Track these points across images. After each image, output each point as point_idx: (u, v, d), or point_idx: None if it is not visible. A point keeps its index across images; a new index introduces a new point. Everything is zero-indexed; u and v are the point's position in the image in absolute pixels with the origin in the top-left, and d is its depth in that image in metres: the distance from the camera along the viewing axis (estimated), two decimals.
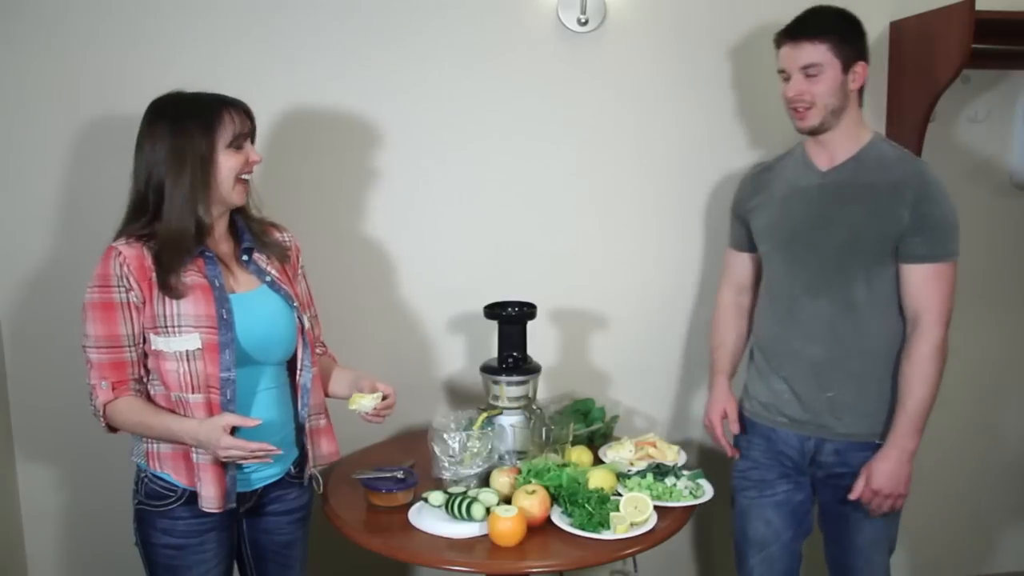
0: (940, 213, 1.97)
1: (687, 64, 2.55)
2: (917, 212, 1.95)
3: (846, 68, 1.98)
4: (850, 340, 2.04)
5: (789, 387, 2.11)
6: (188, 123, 1.73)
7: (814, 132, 2.04)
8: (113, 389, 1.73)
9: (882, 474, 2.00)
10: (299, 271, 2.01)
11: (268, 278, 1.88)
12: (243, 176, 1.80)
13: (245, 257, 1.87)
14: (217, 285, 1.77)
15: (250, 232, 1.89)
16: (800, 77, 1.99)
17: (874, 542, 2.11)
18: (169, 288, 1.72)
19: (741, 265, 2.28)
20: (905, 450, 2.00)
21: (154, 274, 1.72)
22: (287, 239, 1.99)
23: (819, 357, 2.06)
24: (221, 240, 1.86)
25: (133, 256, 1.72)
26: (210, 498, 1.75)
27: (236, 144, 1.77)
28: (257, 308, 1.83)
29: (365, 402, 1.87)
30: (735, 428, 2.21)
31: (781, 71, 2.05)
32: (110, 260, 1.72)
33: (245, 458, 1.71)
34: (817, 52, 1.97)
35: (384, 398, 1.90)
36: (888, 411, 2.05)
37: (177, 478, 1.78)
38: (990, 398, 2.96)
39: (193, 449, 1.74)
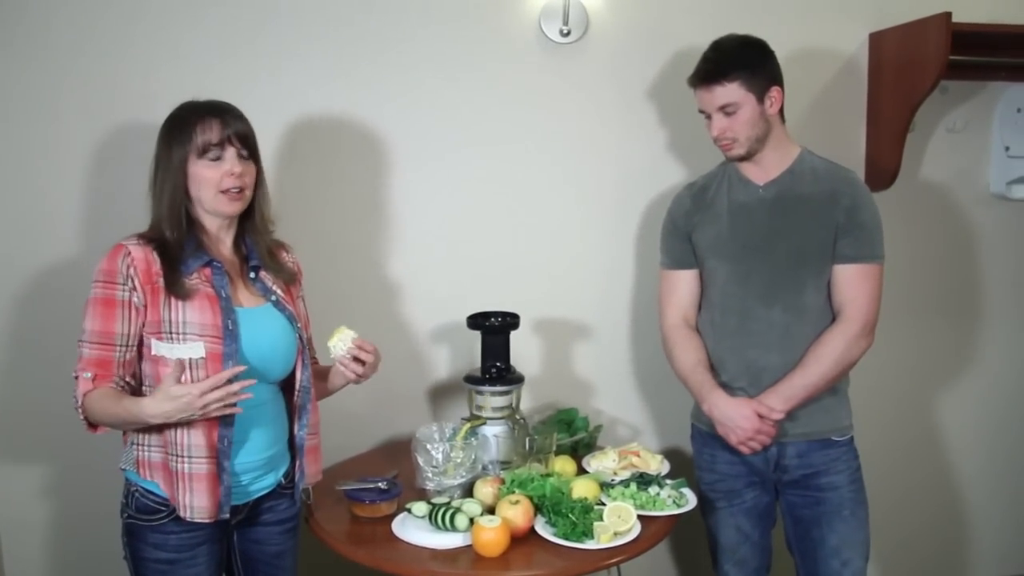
0: (869, 217, 2.06)
1: (669, 74, 2.56)
2: (848, 215, 2.04)
3: (761, 98, 2.05)
4: (804, 344, 2.09)
5: (748, 396, 2.13)
6: (168, 134, 1.78)
7: (743, 159, 2.11)
8: (94, 380, 1.71)
9: (723, 410, 2.09)
10: (300, 293, 2.01)
11: (274, 297, 1.87)
12: (228, 188, 1.77)
13: (252, 275, 1.87)
14: (224, 296, 1.76)
15: (259, 252, 1.88)
16: (720, 116, 2.07)
17: (849, 543, 2.13)
18: (176, 290, 1.71)
19: (686, 283, 2.24)
20: (763, 404, 2.06)
21: (161, 278, 1.72)
22: (292, 261, 2.00)
23: (776, 364, 2.10)
24: (228, 254, 1.86)
25: (141, 258, 1.72)
26: (201, 508, 1.74)
27: (208, 155, 1.75)
28: (262, 324, 1.82)
29: (347, 333, 1.85)
30: (777, 415, 2.08)
31: (701, 111, 2.12)
32: (118, 257, 1.72)
33: (221, 398, 1.62)
34: (729, 92, 2.04)
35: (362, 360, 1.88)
36: (843, 406, 2.16)
37: (164, 488, 1.76)
38: (977, 405, 2.98)
39: (180, 458, 1.73)
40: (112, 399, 1.69)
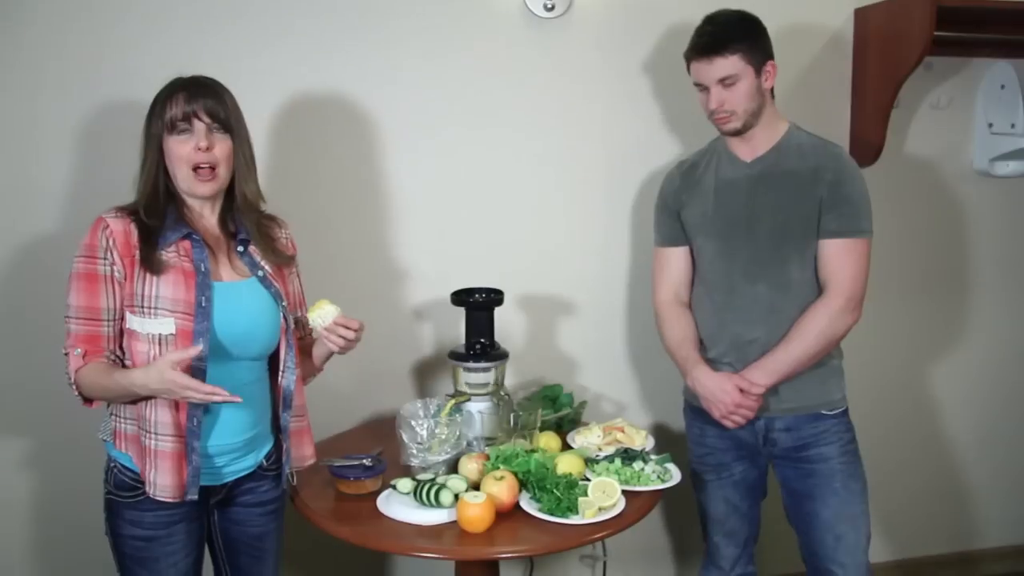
0: (853, 191, 2.06)
1: (653, 49, 2.55)
2: (833, 190, 2.04)
3: (758, 71, 2.05)
4: (789, 319, 2.09)
5: (735, 371, 2.13)
6: (150, 110, 1.77)
7: (738, 133, 2.10)
8: (84, 356, 1.70)
9: (705, 384, 2.12)
10: (294, 270, 1.98)
11: (260, 272, 1.84)
12: (199, 165, 1.74)
13: (240, 248, 1.84)
14: (203, 270, 1.74)
15: (248, 227, 1.84)
16: (718, 88, 2.05)
17: (842, 516, 2.13)
18: (150, 264, 1.70)
19: (677, 260, 2.26)
20: (745, 378, 2.09)
21: (138, 251, 1.70)
22: (286, 237, 1.97)
23: (761, 338, 2.11)
24: (212, 228, 1.83)
25: (120, 231, 1.71)
26: (164, 487, 1.72)
27: (176, 130, 1.72)
28: (241, 300, 1.80)
29: (328, 309, 1.81)
30: (758, 389, 2.11)
31: (697, 84, 2.10)
32: (97, 231, 1.71)
33: (204, 399, 1.62)
34: (730, 64, 2.03)
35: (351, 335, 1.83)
36: (834, 381, 2.16)
37: (136, 462, 1.76)
38: (958, 378, 3.00)
39: (148, 434, 1.72)
40: (103, 373, 1.69)
